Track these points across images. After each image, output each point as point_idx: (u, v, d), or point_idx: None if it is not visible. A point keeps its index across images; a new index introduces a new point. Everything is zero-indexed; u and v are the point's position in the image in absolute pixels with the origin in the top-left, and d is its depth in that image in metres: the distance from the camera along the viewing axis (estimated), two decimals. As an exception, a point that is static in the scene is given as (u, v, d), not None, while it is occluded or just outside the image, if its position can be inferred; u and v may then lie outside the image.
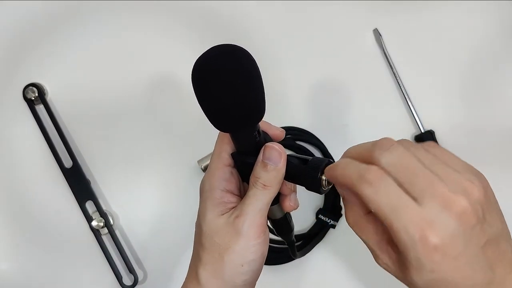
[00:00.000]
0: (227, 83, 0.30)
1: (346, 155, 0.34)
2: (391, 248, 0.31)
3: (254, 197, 0.35)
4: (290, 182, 0.37)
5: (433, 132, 0.57)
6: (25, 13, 0.61)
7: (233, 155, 0.37)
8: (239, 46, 0.31)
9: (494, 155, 0.57)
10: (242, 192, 0.39)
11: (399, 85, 0.58)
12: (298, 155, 0.37)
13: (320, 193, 0.35)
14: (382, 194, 0.29)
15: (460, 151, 0.56)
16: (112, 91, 0.60)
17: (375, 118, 0.58)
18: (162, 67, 0.60)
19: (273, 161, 0.35)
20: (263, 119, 0.34)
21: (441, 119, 0.57)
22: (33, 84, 0.59)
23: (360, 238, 0.33)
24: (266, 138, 0.36)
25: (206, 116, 0.33)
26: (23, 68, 0.60)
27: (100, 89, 0.60)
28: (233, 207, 0.37)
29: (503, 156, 0.57)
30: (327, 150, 0.57)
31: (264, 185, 0.35)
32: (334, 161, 0.35)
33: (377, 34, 0.59)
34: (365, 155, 0.31)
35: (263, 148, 0.35)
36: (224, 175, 0.37)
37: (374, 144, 0.31)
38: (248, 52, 0.31)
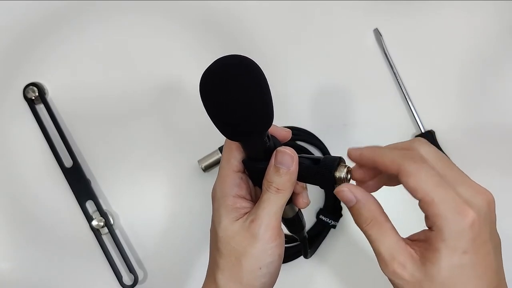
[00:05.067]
0: (237, 93, 0.30)
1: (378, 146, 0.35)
2: (410, 246, 0.32)
3: (268, 201, 0.36)
4: (303, 182, 0.37)
5: (434, 132, 0.57)
6: (25, 12, 0.61)
7: (244, 162, 0.37)
8: (243, 56, 0.31)
9: (494, 155, 0.57)
10: (253, 196, 0.39)
11: (399, 85, 0.58)
12: (308, 155, 0.37)
13: (332, 190, 0.35)
14: (424, 171, 0.31)
15: (460, 151, 0.56)
16: (112, 91, 0.60)
17: (375, 118, 0.58)
18: (163, 67, 0.60)
19: (285, 165, 0.35)
20: None
21: (441, 119, 0.57)
22: (33, 84, 0.59)
23: (375, 241, 0.33)
24: (275, 141, 0.37)
25: (217, 128, 0.33)
26: (24, 68, 0.60)
27: (101, 89, 0.60)
28: (247, 212, 0.37)
29: (503, 156, 0.57)
30: (327, 150, 0.57)
31: (278, 189, 0.35)
32: (344, 159, 0.36)
33: (377, 34, 0.59)
34: (401, 148, 0.34)
35: (274, 152, 0.35)
36: (235, 181, 0.37)
37: (412, 140, 0.34)
38: (253, 61, 0.32)
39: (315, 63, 0.59)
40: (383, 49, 0.58)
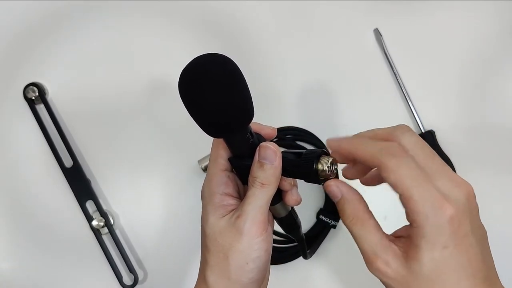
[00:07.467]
0: (208, 89, 0.31)
1: (360, 135, 0.35)
2: (394, 243, 0.32)
3: (253, 196, 0.36)
4: (289, 177, 0.37)
5: (434, 132, 0.57)
6: (25, 12, 0.61)
7: (230, 160, 0.38)
8: (218, 53, 0.32)
9: (494, 155, 0.57)
10: (241, 195, 0.40)
11: (399, 85, 0.58)
12: (292, 150, 0.37)
13: (318, 183, 0.35)
14: (404, 165, 0.30)
15: (460, 151, 0.56)
16: (112, 91, 0.60)
17: (375, 118, 0.58)
18: (163, 67, 0.60)
19: (269, 160, 0.35)
20: (253, 120, 0.34)
21: (441, 119, 0.57)
22: (33, 84, 0.59)
23: (358, 238, 0.33)
24: (259, 138, 0.37)
25: (198, 124, 0.33)
26: (24, 68, 0.60)
27: (101, 89, 0.60)
28: (234, 209, 0.37)
29: (503, 156, 0.57)
30: (327, 150, 0.57)
31: (262, 184, 0.35)
32: (328, 151, 0.36)
33: (377, 34, 0.59)
34: (383, 136, 0.33)
35: (258, 148, 0.36)
36: (222, 179, 0.38)
37: (395, 127, 0.33)
38: (228, 58, 0.32)
39: (315, 63, 0.59)
40: (383, 49, 0.58)
